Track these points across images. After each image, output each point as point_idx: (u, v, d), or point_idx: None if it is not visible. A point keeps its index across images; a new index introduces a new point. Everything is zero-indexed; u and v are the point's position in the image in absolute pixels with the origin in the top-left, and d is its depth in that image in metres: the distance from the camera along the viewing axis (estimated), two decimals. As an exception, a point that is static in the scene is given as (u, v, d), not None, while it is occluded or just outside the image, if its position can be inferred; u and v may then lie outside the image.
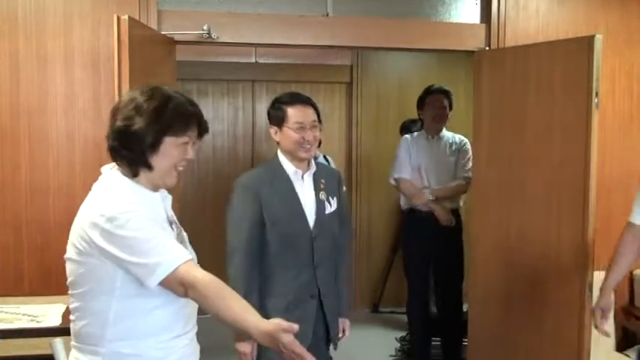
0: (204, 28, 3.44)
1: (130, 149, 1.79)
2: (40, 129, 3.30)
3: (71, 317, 1.85)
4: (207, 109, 5.79)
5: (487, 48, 3.79)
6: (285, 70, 5.81)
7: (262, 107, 5.87)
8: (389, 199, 5.86)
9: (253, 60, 5.74)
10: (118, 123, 1.79)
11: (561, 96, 3.26)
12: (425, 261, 4.38)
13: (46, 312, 2.86)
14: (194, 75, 5.52)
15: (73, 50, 3.32)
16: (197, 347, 2.01)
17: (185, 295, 1.70)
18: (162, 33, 3.40)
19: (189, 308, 1.91)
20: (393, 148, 5.59)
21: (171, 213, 1.97)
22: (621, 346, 3.97)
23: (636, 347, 3.90)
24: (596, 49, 3.06)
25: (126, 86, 2.75)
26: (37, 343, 2.65)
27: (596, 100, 3.08)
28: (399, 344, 4.65)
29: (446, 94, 4.35)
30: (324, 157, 4.51)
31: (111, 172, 1.85)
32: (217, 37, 3.49)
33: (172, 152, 1.82)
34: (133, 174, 1.82)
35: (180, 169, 1.87)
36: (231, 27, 3.54)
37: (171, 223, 1.93)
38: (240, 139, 5.80)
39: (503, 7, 3.79)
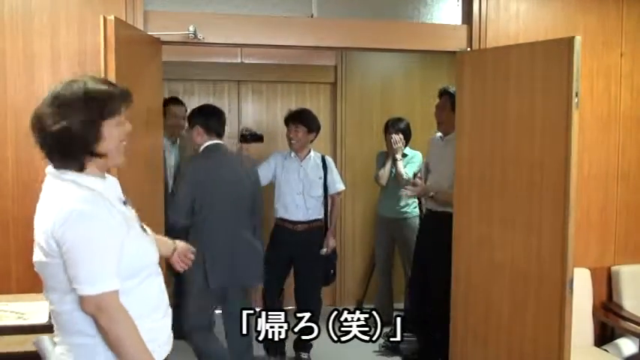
0: (190, 28, 3.46)
1: (75, 148, 1.83)
2: (27, 128, 3.29)
3: (53, 315, 1.93)
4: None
5: (468, 49, 3.84)
6: (271, 71, 5.82)
7: (248, 107, 5.90)
8: (373, 198, 5.90)
9: (239, 60, 5.75)
10: (53, 128, 1.80)
11: (542, 96, 3.29)
12: (422, 258, 4.54)
13: (33, 309, 2.87)
14: (180, 75, 5.54)
15: (59, 50, 3.32)
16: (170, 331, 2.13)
17: (94, 316, 1.79)
18: (149, 33, 3.42)
19: (162, 287, 2.04)
20: (376, 147, 5.67)
21: (120, 194, 2.05)
22: (600, 341, 4.03)
23: (614, 342, 3.99)
24: (575, 50, 3.10)
25: (112, 86, 2.77)
26: (23, 340, 2.67)
27: (576, 100, 3.12)
28: (382, 340, 4.68)
29: (445, 94, 4.38)
30: (323, 157, 4.75)
31: (58, 172, 1.87)
32: (203, 38, 3.51)
33: (114, 133, 1.87)
34: (80, 169, 1.86)
35: (124, 143, 1.94)
36: (216, 28, 3.57)
37: (125, 203, 2.02)
38: (226, 139, 5.79)
39: (484, 8, 3.84)
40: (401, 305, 5.50)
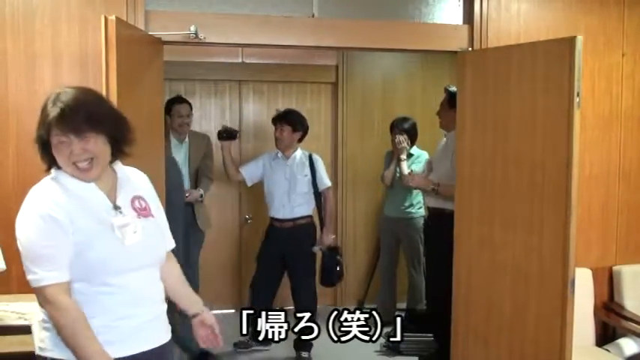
0: (191, 28, 3.46)
1: (44, 155, 1.98)
2: (29, 128, 3.24)
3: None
4: (195, 108, 5.79)
5: (470, 49, 3.84)
6: (272, 71, 5.83)
7: (249, 107, 5.90)
8: (375, 197, 5.92)
9: (240, 60, 5.75)
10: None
11: (543, 96, 3.29)
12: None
13: (34, 310, 2.86)
14: (182, 75, 5.54)
15: (61, 50, 3.32)
16: (157, 329, 2.12)
17: (44, 307, 1.92)
18: (150, 33, 3.42)
19: (132, 296, 2.01)
20: (377, 147, 5.68)
21: (129, 199, 2.08)
22: (601, 341, 4.03)
23: (615, 342, 3.99)
24: (577, 49, 3.09)
25: (113, 86, 2.77)
26: (25, 340, 2.67)
27: (577, 100, 3.11)
28: (384, 340, 4.69)
29: (445, 92, 4.43)
30: (310, 156, 4.81)
31: (52, 169, 2.00)
32: (204, 38, 3.51)
33: (58, 151, 1.93)
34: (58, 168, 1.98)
35: (82, 164, 1.93)
36: (217, 28, 3.56)
37: (116, 208, 2.02)
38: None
39: (486, 8, 3.84)
40: (404, 305, 5.51)
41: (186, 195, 4.82)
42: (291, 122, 4.73)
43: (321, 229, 4.81)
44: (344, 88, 5.94)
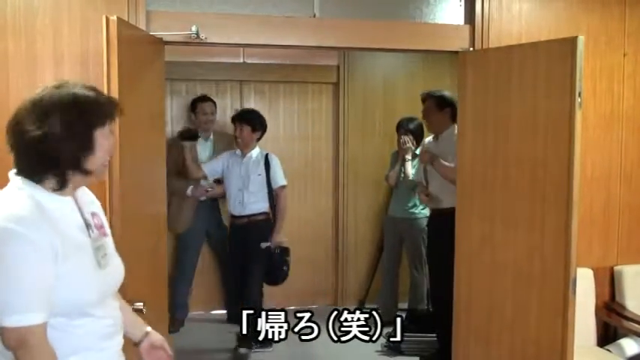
0: (193, 28, 3.46)
1: (60, 160, 1.64)
2: (30, 128, 3.29)
3: None
4: (196, 108, 5.83)
5: (471, 49, 3.83)
6: (273, 71, 5.84)
7: (250, 107, 5.89)
8: (376, 198, 5.92)
9: (241, 60, 5.76)
10: (34, 134, 1.62)
11: (544, 96, 3.28)
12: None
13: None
14: (183, 75, 5.56)
15: (62, 50, 3.31)
16: (120, 358, 1.88)
17: (13, 350, 1.57)
18: (151, 34, 3.42)
19: (107, 326, 1.80)
20: (378, 147, 5.69)
21: (90, 215, 1.82)
22: (602, 342, 4.03)
23: (616, 342, 3.98)
24: (579, 49, 3.08)
25: (115, 86, 2.77)
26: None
27: (579, 100, 3.11)
28: (385, 340, 4.69)
29: (428, 97, 4.50)
30: (266, 155, 4.95)
31: (17, 178, 1.70)
32: (205, 38, 3.51)
33: (104, 145, 1.70)
34: (61, 185, 1.68)
35: (107, 161, 1.76)
36: (219, 28, 3.56)
37: (88, 227, 1.78)
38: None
39: (487, 8, 3.83)
40: (405, 305, 5.51)
41: (210, 189, 5.00)
42: (250, 122, 4.89)
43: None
44: (345, 88, 5.95)
